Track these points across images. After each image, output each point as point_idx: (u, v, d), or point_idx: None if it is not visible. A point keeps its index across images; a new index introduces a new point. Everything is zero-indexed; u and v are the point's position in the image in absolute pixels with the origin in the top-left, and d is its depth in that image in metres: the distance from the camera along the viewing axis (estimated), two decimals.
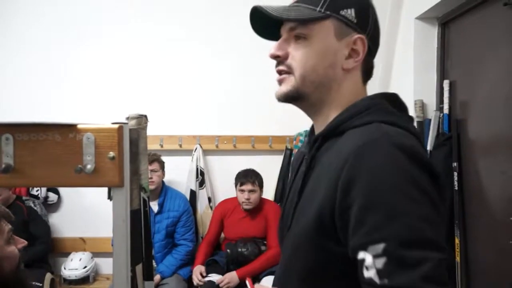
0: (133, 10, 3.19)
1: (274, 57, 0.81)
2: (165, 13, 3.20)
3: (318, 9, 0.76)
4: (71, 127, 0.88)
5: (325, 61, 0.77)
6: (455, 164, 2.07)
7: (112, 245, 2.83)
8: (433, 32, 2.35)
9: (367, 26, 0.79)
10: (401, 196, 0.61)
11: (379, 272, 0.59)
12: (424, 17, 2.33)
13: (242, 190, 2.77)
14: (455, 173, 2.06)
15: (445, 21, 2.29)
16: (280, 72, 0.81)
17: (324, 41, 0.77)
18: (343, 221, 0.65)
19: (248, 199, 2.76)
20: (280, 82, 0.81)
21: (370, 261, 0.60)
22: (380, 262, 0.59)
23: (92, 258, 3.07)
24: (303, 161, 0.88)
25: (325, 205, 0.68)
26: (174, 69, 3.22)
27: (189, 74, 3.23)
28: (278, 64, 0.81)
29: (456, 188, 2.05)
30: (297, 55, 0.78)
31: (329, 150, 0.76)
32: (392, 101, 0.79)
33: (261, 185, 2.84)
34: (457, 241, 2.06)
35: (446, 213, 2.04)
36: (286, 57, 0.80)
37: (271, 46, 0.82)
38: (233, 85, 3.23)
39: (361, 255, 0.61)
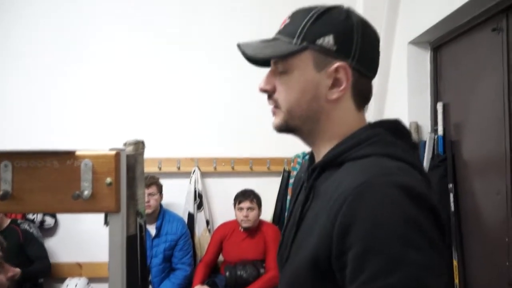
0: (130, 32, 3.25)
1: (263, 91, 0.80)
2: (162, 34, 3.26)
3: (294, 41, 0.74)
4: (69, 154, 0.89)
5: (307, 95, 0.75)
6: (450, 185, 2.08)
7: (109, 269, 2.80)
8: (425, 56, 2.40)
9: (351, 51, 0.74)
10: (402, 243, 0.58)
11: None
12: (417, 42, 2.39)
13: (241, 208, 2.78)
14: (451, 194, 2.08)
15: (437, 46, 2.35)
16: (273, 106, 0.81)
17: (304, 75, 0.75)
18: (340, 264, 0.62)
19: (246, 216, 2.76)
20: (273, 114, 0.81)
21: None
22: None
23: (88, 283, 3.03)
24: (302, 188, 0.86)
25: (321, 246, 0.65)
26: (172, 92, 3.26)
27: (187, 96, 3.26)
28: (268, 98, 0.81)
29: (453, 209, 2.06)
30: (281, 91, 0.78)
31: (328, 180, 0.73)
32: (393, 129, 0.76)
33: (259, 204, 2.84)
34: (455, 263, 2.06)
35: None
36: (273, 90, 0.79)
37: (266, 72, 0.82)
38: (231, 107, 3.26)
39: None
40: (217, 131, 3.26)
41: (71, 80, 3.22)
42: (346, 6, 0.78)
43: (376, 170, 0.65)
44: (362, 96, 0.78)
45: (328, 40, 0.73)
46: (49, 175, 0.86)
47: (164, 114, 3.24)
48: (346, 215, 0.61)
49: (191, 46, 3.27)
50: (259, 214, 2.84)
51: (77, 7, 3.24)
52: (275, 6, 3.19)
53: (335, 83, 0.74)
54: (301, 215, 0.77)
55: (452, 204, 2.06)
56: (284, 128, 0.79)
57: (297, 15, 0.76)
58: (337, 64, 0.73)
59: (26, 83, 3.20)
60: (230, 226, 2.91)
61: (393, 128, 0.75)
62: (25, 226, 2.85)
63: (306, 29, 0.74)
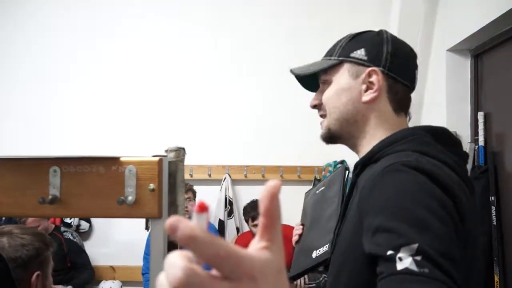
0: (163, 41, 3.31)
1: (313, 106, 0.94)
2: (195, 43, 3.31)
3: (332, 58, 0.89)
4: (114, 160, 0.91)
5: (343, 98, 0.87)
6: (492, 198, 2.00)
7: (142, 274, 2.84)
8: (465, 64, 2.33)
9: (381, 60, 0.85)
10: (427, 211, 0.63)
11: (417, 262, 0.57)
12: (456, 49, 2.32)
13: (256, 225, 2.72)
14: (493, 207, 1.99)
15: (478, 53, 2.27)
16: (321, 117, 0.93)
17: (341, 82, 0.88)
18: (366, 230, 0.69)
19: None
20: (322, 126, 0.93)
21: (404, 255, 0.59)
22: (417, 258, 0.58)
23: (122, 287, 3.08)
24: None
25: (357, 217, 0.73)
26: (204, 100, 3.30)
27: (218, 104, 3.29)
28: (319, 111, 0.93)
29: (495, 223, 1.98)
30: (324, 98, 0.91)
31: (366, 175, 0.81)
32: (438, 135, 0.80)
33: None
34: (496, 278, 1.97)
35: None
36: (321, 104, 0.92)
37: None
38: (262, 115, 3.27)
39: (391, 253, 0.60)
40: (248, 139, 3.26)
41: (100, 86, 3.30)
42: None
43: (403, 158, 0.72)
44: (400, 101, 0.87)
45: (360, 53, 0.86)
46: (95, 181, 0.88)
47: (196, 121, 3.28)
48: (375, 186, 0.70)
49: (224, 56, 3.30)
50: None
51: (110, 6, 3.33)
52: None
53: (369, 86, 0.85)
54: (344, 210, 0.85)
55: (494, 218, 1.98)
56: (327, 134, 0.91)
57: (336, 42, 0.93)
58: (369, 69, 0.85)
59: (55, 93, 3.31)
60: (249, 239, 2.89)
61: (437, 134, 0.80)
62: (69, 235, 2.91)
63: (341, 48, 0.89)
